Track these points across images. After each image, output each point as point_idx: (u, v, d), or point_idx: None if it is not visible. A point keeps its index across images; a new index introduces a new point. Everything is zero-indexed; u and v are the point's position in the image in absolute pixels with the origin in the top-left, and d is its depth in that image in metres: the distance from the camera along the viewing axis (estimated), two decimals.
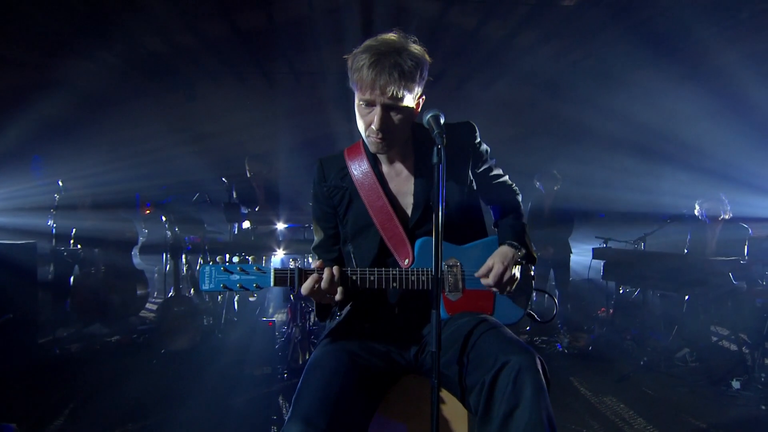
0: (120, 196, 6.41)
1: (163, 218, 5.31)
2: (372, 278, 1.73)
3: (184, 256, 5.61)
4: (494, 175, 2.05)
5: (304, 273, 1.69)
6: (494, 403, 1.51)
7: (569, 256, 6.35)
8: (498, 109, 8.48)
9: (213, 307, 5.43)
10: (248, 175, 5.69)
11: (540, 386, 1.49)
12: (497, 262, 1.82)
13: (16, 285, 4.56)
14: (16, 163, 6.61)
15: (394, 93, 1.65)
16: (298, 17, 6.79)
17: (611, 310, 5.95)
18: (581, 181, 6.94)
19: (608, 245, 5.95)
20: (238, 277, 1.68)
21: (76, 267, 5.55)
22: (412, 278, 1.75)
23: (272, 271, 1.70)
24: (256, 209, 5.46)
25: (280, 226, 5.04)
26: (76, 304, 5.39)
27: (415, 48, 1.72)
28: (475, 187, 1.98)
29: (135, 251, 6.25)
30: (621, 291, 6.00)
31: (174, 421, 3.46)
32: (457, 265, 1.87)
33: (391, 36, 1.72)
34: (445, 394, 1.76)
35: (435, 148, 1.52)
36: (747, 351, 4.50)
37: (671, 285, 5.20)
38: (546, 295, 4.42)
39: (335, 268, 1.68)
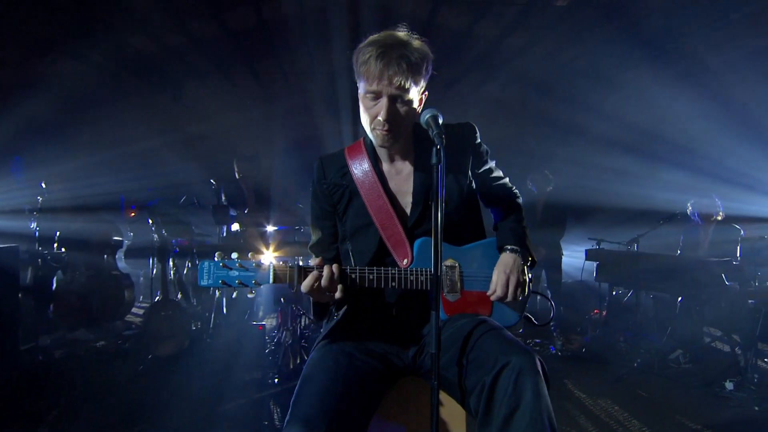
0: (104, 198, 6.36)
1: (150, 221, 5.28)
2: (371, 277, 1.74)
3: (171, 259, 5.57)
4: (495, 176, 2.08)
5: (303, 270, 1.70)
6: (495, 405, 1.52)
7: (561, 257, 6.41)
8: (490, 109, 8.53)
9: (201, 311, 5.40)
10: (237, 176, 5.67)
11: (540, 388, 1.50)
12: (500, 272, 1.86)
13: None
14: None
15: (402, 83, 1.69)
16: (287, 17, 6.80)
17: (604, 312, 6.00)
18: (574, 182, 7.01)
19: (601, 246, 6.00)
20: (237, 273, 1.69)
21: (59, 271, 5.49)
22: (411, 278, 1.76)
23: (272, 267, 1.70)
24: (246, 211, 5.44)
25: (270, 228, 5.03)
26: (60, 309, 5.32)
27: (419, 43, 1.76)
28: (474, 188, 2.00)
29: (120, 255, 6.20)
30: (614, 293, 6.05)
31: (163, 428, 3.44)
32: (455, 266, 1.89)
33: (395, 32, 1.76)
34: (443, 395, 1.76)
35: (434, 149, 1.54)
36: (740, 352, 4.57)
37: (664, 286, 5.26)
38: (539, 297, 4.44)
39: (335, 266, 1.69)
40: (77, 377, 4.35)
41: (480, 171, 2.02)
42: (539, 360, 1.57)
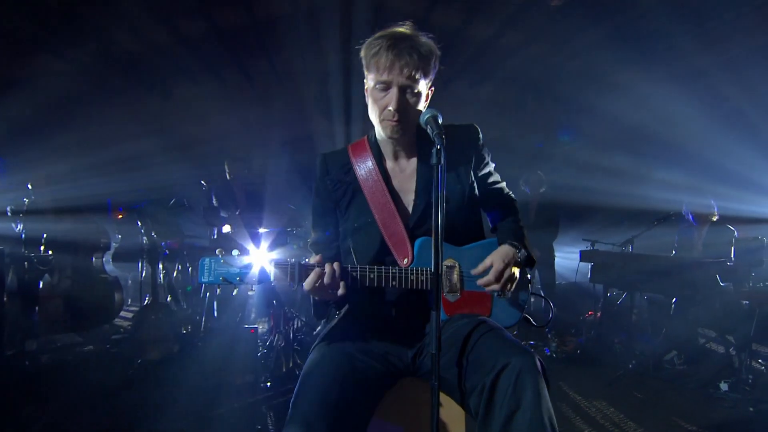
0: (91, 200, 6.32)
1: (139, 223, 5.26)
2: (372, 276, 1.77)
3: (161, 262, 5.56)
4: (494, 180, 2.12)
5: (304, 268, 1.72)
6: (495, 406, 1.55)
7: (554, 258, 6.47)
8: (483, 109, 8.58)
9: (191, 315, 5.39)
10: (228, 177, 5.67)
11: (541, 388, 1.53)
12: (497, 260, 1.87)
13: None
14: None
15: (412, 74, 1.75)
16: (278, 16, 6.80)
17: (599, 314, 6.06)
18: (568, 183, 7.07)
19: (595, 247, 6.06)
20: (238, 270, 1.71)
21: (46, 274, 5.45)
22: (412, 278, 1.79)
23: (273, 265, 1.72)
24: (237, 213, 5.44)
25: (262, 230, 5.03)
26: (46, 313, 5.28)
27: (426, 39, 1.84)
28: (476, 189, 2.03)
29: (107, 258, 6.16)
30: (609, 294, 6.11)
31: None
32: (455, 266, 1.91)
33: (402, 28, 1.83)
34: (442, 396, 1.78)
35: (434, 149, 1.57)
36: (734, 353, 4.63)
37: (659, 287, 5.32)
38: (533, 299, 4.48)
39: (336, 264, 1.72)
40: (65, 383, 4.33)
41: (480, 173, 2.06)
42: (539, 360, 1.60)
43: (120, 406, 3.85)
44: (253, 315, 5.71)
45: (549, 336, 5.53)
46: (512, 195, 2.19)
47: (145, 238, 5.33)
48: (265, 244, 5.07)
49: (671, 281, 5.05)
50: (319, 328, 5.13)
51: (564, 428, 3.61)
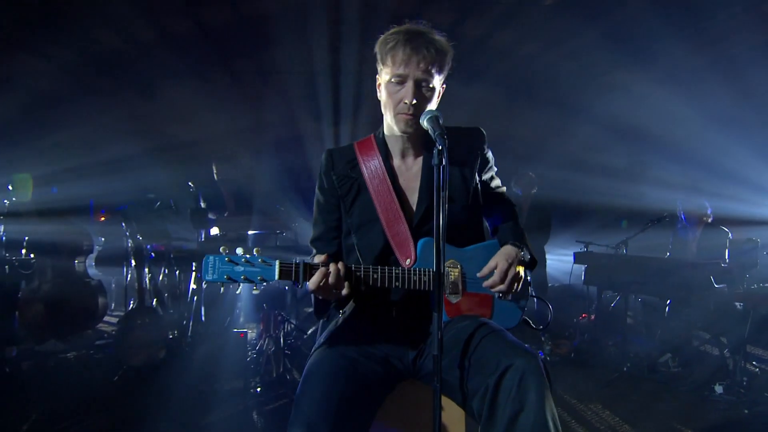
0: (72, 203, 6.26)
1: (124, 225, 5.22)
2: (375, 276, 1.78)
3: (146, 265, 5.52)
4: (496, 184, 2.16)
5: (309, 267, 1.73)
6: (498, 407, 1.56)
7: (545, 261, 6.52)
8: (474, 109, 8.62)
9: (179, 319, 5.36)
10: (216, 178, 5.66)
11: (544, 389, 1.55)
12: (501, 260, 1.90)
13: None
14: None
15: (429, 68, 1.80)
16: (265, 13, 6.79)
17: (593, 316, 6.11)
18: (560, 184, 7.13)
19: (589, 249, 6.12)
20: (242, 268, 1.71)
21: (25, 279, 5.38)
22: (414, 278, 1.81)
23: (277, 264, 1.73)
24: (225, 215, 5.43)
25: (251, 232, 5.03)
26: (27, 319, 5.23)
27: (441, 36, 1.88)
28: (480, 192, 2.06)
29: (90, 261, 6.12)
30: (602, 296, 6.17)
31: None
32: (457, 267, 1.93)
33: (415, 25, 1.88)
34: (442, 398, 1.78)
35: (435, 150, 1.59)
36: (728, 355, 4.70)
37: (653, 289, 5.38)
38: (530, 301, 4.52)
39: (341, 264, 1.73)
40: (47, 390, 4.29)
41: (484, 177, 2.10)
42: (542, 362, 1.62)
43: (105, 415, 3.82)
44: (242, 319, 5.71)
45: (543, 339, 5.57)
46: (512, 201, 2.24)
47: (130, 240, 5.29)
48: (253, 247, 5.05)
49: (666, 283, 5.11)
50: (311, 330, 5.14)
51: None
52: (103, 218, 6.88)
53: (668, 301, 5.30)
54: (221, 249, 1.71)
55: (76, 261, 5.67)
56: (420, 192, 1.97)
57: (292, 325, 5.03)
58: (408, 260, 1.89)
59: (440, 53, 1.83)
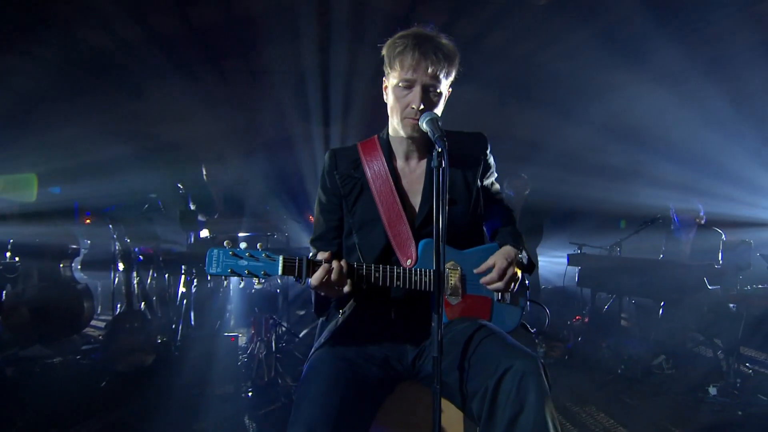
0: (56, 205, 6.24)
1: (111, 227, 5.21)
2: (377, 275, 1.82)
3: (134, 269, 5.50)
4: (496, 191, 2.20)
5: (312, 263, 1.76)
6: (498, 409, 1.60)
7: (537, 263, 6.58)
8: (465, 111, 8.66)
9: (167, 323, 5.35)
10: (205, 179, 5.65)
11: (544, 390, 1.59)
12: (500, 259, 1.93)
13: None
14: None
15: (437, 73, 1.83)
16: (253, 12, 6.80)
17: (586, 319, 6.17)
18: (551, 187, 7.19)
19: (583, 251, 6.18)
20: (246, 262, 1.73)
21: (9, 283, 5.35)
22: (415, 278, 1.85)
23: (281, 259, 1.75)
24: (215, 217, 5.43)
25: (242, 234, 5.03)
26: (11, 324, 5.19)
27: (449, 40, 1.91)
28: (481, 196, 2.11)
29: (76, 265, 6.09)
30: (596, 298, 6.22)
31: None
32: (458, 269, 1.97)
33: (423, 29, 1.90)
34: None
35: (434, 152, 1.63)
36: (722, 357, 4.78)
37: (647, 291, 5.44)
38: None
39: (343, 261, 1.77)
40: (32, 397, 4.24)
41: (485, 182, 2.14)
42: (541, 363, 1.66)
43: (92, 422, 3.78)
44: (232, 323, 5.70)
45: (537, 342, 5.61)
46: (511, 207, 2.28)
47: (117, 243, 5.27)
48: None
49: (659, 285, 5.18)
50: (303, 333, 5.15)
51: None
52: (88, 221, 6.84)
53: (662, 303, 5.36)
54: (225, 243, 1.73)
55: (62, 264, 5.64)
56: (423, 194, 2.01)
57: (284, 329, 5.04)
58: (409, 261, 1.92)
59: (448, 58, 1.86)
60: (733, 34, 6.09)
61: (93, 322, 6.16)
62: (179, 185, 5.50)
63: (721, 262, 5.34)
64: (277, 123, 8.83)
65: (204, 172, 5.67)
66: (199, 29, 7.02)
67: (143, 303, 5.41)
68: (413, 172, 2.06)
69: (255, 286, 4.95)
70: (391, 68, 1.92)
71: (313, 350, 1.91)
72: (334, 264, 1.74)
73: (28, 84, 7.12)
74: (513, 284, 1.96)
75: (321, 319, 2.11)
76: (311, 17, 6.63)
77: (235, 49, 7.72)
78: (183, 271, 5.20)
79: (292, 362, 4.78)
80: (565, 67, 7.78)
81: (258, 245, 1.77)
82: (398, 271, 1.84)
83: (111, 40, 7.04)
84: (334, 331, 1.91)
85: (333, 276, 1.73)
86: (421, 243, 1.93)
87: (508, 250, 1.99)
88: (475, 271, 1.97)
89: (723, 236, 5.51)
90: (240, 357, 4.81)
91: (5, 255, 5.26)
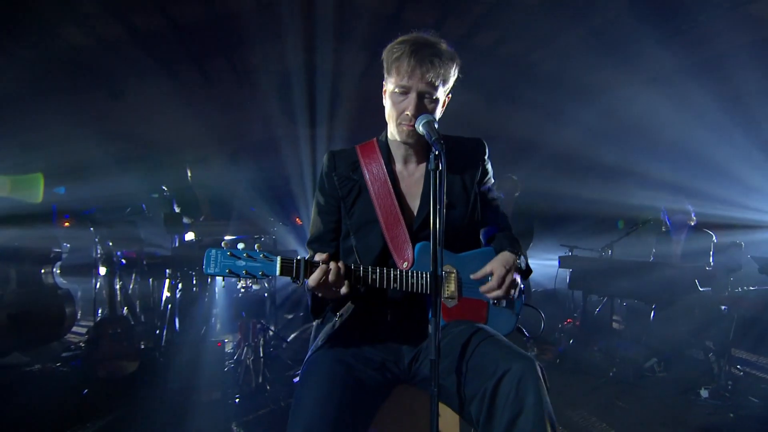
0: (33, 207, 6.17)
1: (93, 230, 5.18)
2: (374, 276, 1.86)
3: (117, 273, 5.47)
4: (493, 197, 2.25)
5: (310, 264, 1.79)
6: (497, 411, 1.64)
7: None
8: (453, 111, 8.70)
9: (151, 329, 5.34)
10: (190, 181, 5.65)
11: (542, 392, 1.64)
12: (498, 266, 1.98)
13: None
14: None
15: (432, 80, 1.87)
16: (239, 11, 6.81)
17: (578, 321, 6.24)
18: (542, 188, 7.27)
19: (574, 253, 6.25)
20: (244, 263, 1.76)
21: None
22: (412, 280, 1.89)
23: (279, 259, 1.78)
24: (201, 219, 5.43)
25: (228, 237, 5.04)
26: None
27: (448, 47, 1.95)
28: (478, 201, 2.16)
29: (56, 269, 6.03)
30: (587, 300, 6.29)
31: None
32: (454, 273, 2.02)
33: (424, 35, 1.94)
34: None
35: (432, 155, 1.68)
36: (713, 359, 4.87)
37: (638, 293, 5.53)
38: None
39: (341, 263, 1.80)
40: (10, 406, 4.21)
41: (483, 187, 2.19)
42: (539, 365, 1.71)
43: (75, 429, 3.76)
44: (218, 328, 5.69)
45: (528, 345, 5.67)
46: (506, 213, 2.33)
47: (99, 247, 5.25)
48: None
49: (651, 287, 5.26)
50: (292, 337, 5.16)
51: None
52: (67, 224, 6.76)
53: (653, 305, 5.44)
54: (222, 243, 1.76)
55: (44, 270, 5.57)
56: (422, 198, 2.05)
57: (272, 333, 5.05)
58: (405, 263, 1.96)
59: (445, 66, 1.90)
60: (725, 34, 6.18)
61: (73, 329, 6.11)
62: (164, 187, 5.49)
63: (712, 264, 5.43)
64: (263, 124, 8.83)
65: (189, 174, 5.66)
66: (182, 28, 7.00)
67: (126, 308, 5.39)
68: (411, 176, 2.11)
69: (241, 290, 4.99)
70: (388, 73, 1.96)
71: (309, 353, 1.94)
72: (332, 265, 1.78)
73: (4, 83, 7.05)
74: (513, 290, 2.00)
75: (316, 321, 2.14)
76: (296, 15, 6.64)
77: (219, 48, 7.70)
78: (167, 275, 5.19)
79: (281, 367, 4.79)
80: (555, 67, 7.86)
81: (256, 246, 1.80)
82: (395, 273, 1.88)
83: (91, 39, 6.98)
84: (331, 334, 1.95)
85: (330, 277, 1.77)
86: (418, 246, 1.97)
87: (506, 256, 2.03)
88: (472, 277, 2.02)
89: (714, 238, 5.61)
90: (227, 363, 4.81)
91: None
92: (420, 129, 1.84)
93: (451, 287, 2.01)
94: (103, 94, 8.17)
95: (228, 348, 5.27)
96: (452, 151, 1.72)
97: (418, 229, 2.03)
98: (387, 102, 2.01)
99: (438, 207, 1.65)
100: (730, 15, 5.84)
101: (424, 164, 2.11)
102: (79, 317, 6.91)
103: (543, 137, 8.69)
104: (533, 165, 7.85)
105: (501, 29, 7.06)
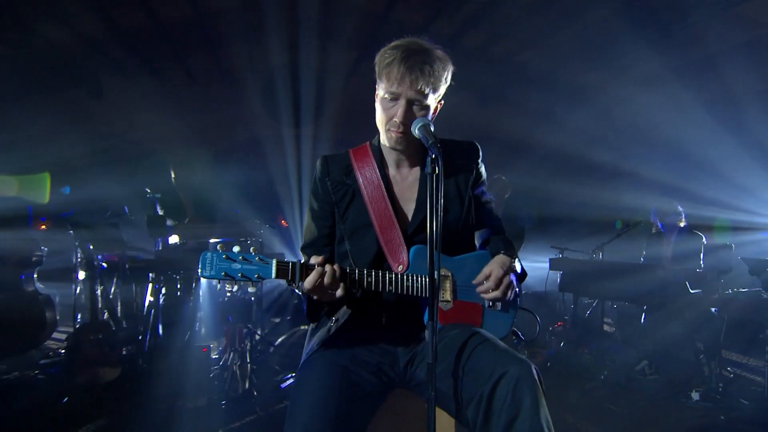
0: (7, 210, 6.11)
1: (72, 232, 5.15)
2: (369, 279, 1.89)
3: (98, 277, 5.44)
4: (486, 200, 2.30)
5: (305, 267, 1.82)
6: (493, 414, 1.68)
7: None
8: (443, 113, 8.74)
9: (134, 334, 5.31)
10: (174, 183, 5.64)
11: (538, 395, 1.67)
12: (496, 267, 2.02)
13: None
14: None
15: (422, 88, 1.89)
16: (221, 7, 6.79)
17: (568, 324, 6.32)
18: (531, 191, 7.33)
19: (564, 255, 6.33)
20: (239, 266, 1.78)
21: None
22: (408, 283, 1.93)
23: (274, 262, 1.81)
24: (185, 222, 5.42)
25: (213, 240, 5.04)
26: None
27: (442, 53, 1.97)
28: (472, 204, 2.19)
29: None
30: (577, 302, 6.36)
31: None
32: (449, 276, 2.06)
33: (418, 40, 1.97)
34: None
35: (428, 158, 1.71)
36: (704, 361, 4.96)
37: (629, 296, 5.62)
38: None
39: (336, 265, 1.84)
40: None
41: (477, 190, 2.23)
42: (535, 369, 1.74)
43: None
44: (203, 332, 5.67)
45: (518, 348, 5.73)
46: (500, 216, 2.38)
47: (79, 250, 5.21)
48: None
49: (641, 289, 5.35)
50: (279, 341, 5.17)
51: None
52: (43, 226, 6.70)
53: (644, 308, 5.53)
54: (218, 247, 1.79)
55: (24, 274, 5.51)
56: (417, 202, 2.09)
57: (258, 337, 5.05)
58: (400, 266, 2.00)
59: (435, 74, 1.92)
60: (717, 35, 6.26)
61: (55, 335, 6.06)
62: (147, 189, 5.47)
63: (702, 265, 5.53)
64: (247, 124, 8.81)
65: (172, 175, 5.65)
66: (164, 25, 6.97)
67: (107, 313, 5.36)
68: (405, 180, 2.15)
69: (227, 294, 4.99)
70: (379, 79, 1.99)
71: (304, 357, 1.97)
72: (327, 268, 1.81)
73: None
74: (509, 293, 2.04)
75: (311, 326, 2.16)
76: (282, 12, 6.63)
77: (202, 46, 7.67)
78: (150, 280, 5.17)
79: (268, 373, 4.80)
80: (546, 68, 7.92)
81: (251, 249, 1.83)
82: (390, 276, 1.92)
83: (71, 36, 6.93)
84: (326, 338, 1.97)
85: (326, 280, 1.80)
86: (413, 249, 2.01)
87: (502, 259, 2.07)
88: (473, 281, 2.06)
89: (704, 240, 5.71)
90: (212, 368, 4.80)
91: None
92: (416, 133, 1.86)
93: (446, 290, 2.05)
94: (83, 92, 8.06)
95: (214, 353, 5.27)
96: (446, 154, 1.74)
97: (412, 233, 2.06)
98: (377, 107, 2.04)
99: (435, 210, 1.68)
100: (722, 15, 5.92)
101: (417, 168, 2.15)
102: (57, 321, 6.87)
103: (533, 138, 8.75)
104: (524, 166, 7.91)
105: (491, 29, 7.10)
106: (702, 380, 4.85)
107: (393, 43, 1.97)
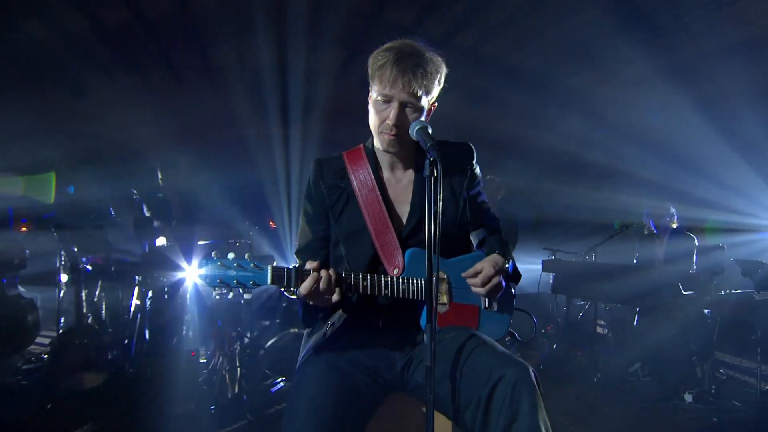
0: None
1: (56, 234, 5.12)
2: (365, 283, 1.92)
3: (82, 280, 5.41)
4: (482, 201, 2.33)
5: (301, 272, 1.85)
6: (492, 418, 1.71)
7: None
8: (435, 113, 8.76)
9: (120, 338, 5.29)
10: (160, 183, 5.63)
11: (537, 398, 1.71)
12: (487, 265, 2.06)
13: None
14: None
15: (414, 90, 1.92)
16: (208, 4, 6.79)
17: (562, 326, 6.38)
18: (524, 191, 7.39)
19: (557, 257, 6.39)
20: (234, 273, 1.81)
21: None
22: (404, 287, 1.96)
23: (270, 268, 1.83)
24: (173, 224, 5.42)
25: (202, 242, 5.04)
26: None
27: (435, 55, 2.00)
28: (468, 206, 2.22)
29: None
30: (570, 304, 6.42)
31: None
32: (445, 278, 2.09)
33: (412, 42, 1.99)
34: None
35: (427, 161, 1.75)
36: (697, 362, 5.03)
37: (622, 297, 5.68)
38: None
39: (332, 270, 1.86)
40: None
41: (472, 192, 2.26)
42: (533, 371, 1.78)
43: None
44: (191, 336, 5.66)
45: (510, 350, 5.75)
46: (497, 217, 2.41)
47: (63, 252, 5.19)
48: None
49: (634, 290, 5.41)
50: (269, 343, 5.17)
51: None
52: (24, 228, 6.65)
53: (637, 309, 5.60)
54: (213, 254, 1.81)
55: (6, 278, 5.46)
56: (412, 205, 2.12)
57: (247, 340, 5.05)
58: (396, 270, 2.03)
59: (428, 76, 1.94)
60: (709, 35, 6.34)
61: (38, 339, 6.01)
62: (133, 191, 5.45)
63: (695, 267, 5.61)
64: (234, 123, 8.79)
65: (159, 176, 5.64)
66: (149, 21, 6.94)
67: (92, 317, 5.33)
68: (399, 182, 2.17)
69: (216, 297, 5.00)
70: (372, 81, 2.01)
71: (300, 360, 2.01)
72: (323, 273, 1.84)
73: None
74: (495, 292, 2.08)
75: (307, 330, 2.19)
76: (270, 9, 6.63)
77: (188, 43, 7.64)
78: (137, 283, 5.16)
79: (258, 377, 4.80)
80: (538, 68, 7.97)
81: (246, 255, 1.85)
82: (386, 279, 1.95)
83: (52, 32, 6.89)
84: (322, 342, 2.00)
85: (322, 285, 1.83)
86: (408, 252, 2.05)
87: (495, 258, 2.10)
88: (462, 274, 2.09)
89: (696, 241, 5.79)
90: (201, 372, 4.80)
91: None
92: (414, 135, 1.89)
93: (442, 293, 2.08)
94: (65, 90, 8.01)
95: (202, 357, 5.26)
96: (441, 156, 1.76)
97: (407, 236, 2.09)
98: (370, 110, 2.06)
99: (433, 213, 1.71)
100: (714, 16, 5.99)
101: (411, 171, 2.18)
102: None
103: (525, 139, 8.81)
104: (516, 167, 7.97)
105: (483, 29, 7.14)
106: (695, 382, 4.91)
107: (386, 45, 1.99)
